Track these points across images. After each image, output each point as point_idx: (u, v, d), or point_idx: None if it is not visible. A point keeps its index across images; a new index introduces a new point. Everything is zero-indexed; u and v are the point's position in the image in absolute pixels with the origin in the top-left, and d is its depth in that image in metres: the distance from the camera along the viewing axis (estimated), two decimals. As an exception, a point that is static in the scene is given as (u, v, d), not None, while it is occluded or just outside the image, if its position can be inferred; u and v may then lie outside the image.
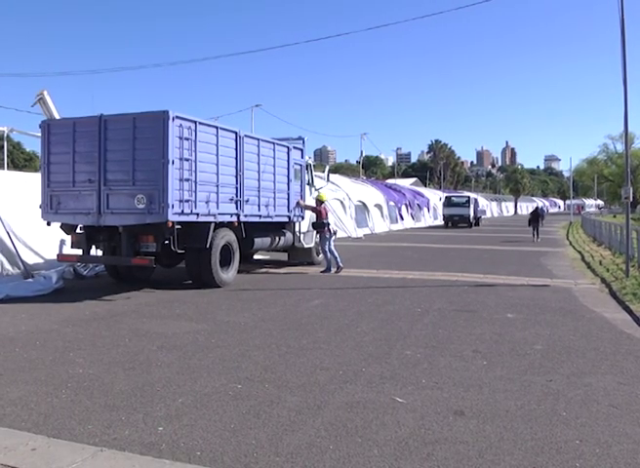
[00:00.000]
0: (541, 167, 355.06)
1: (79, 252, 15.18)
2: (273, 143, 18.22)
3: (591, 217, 49.06)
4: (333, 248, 19.38)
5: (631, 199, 18.71)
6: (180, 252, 14.68)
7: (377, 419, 6.09)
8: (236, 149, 16.07)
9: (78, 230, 15.08)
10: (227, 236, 15.97)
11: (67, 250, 16.03)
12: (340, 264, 19.27)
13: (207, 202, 14.91)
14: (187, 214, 14.28)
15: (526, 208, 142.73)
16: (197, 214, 14.60)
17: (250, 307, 12.90)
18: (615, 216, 73.08)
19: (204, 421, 6.00)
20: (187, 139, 14.17)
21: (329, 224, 19.54)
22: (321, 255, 21.54)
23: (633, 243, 20.51)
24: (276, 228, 18.96)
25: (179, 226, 14.18)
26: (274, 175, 18.07)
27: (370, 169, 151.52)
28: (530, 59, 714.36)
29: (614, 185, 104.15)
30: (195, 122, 14.50)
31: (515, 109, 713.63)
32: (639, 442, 5.60)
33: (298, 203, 19.52)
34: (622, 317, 12.13)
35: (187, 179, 14.18)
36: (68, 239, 15.56)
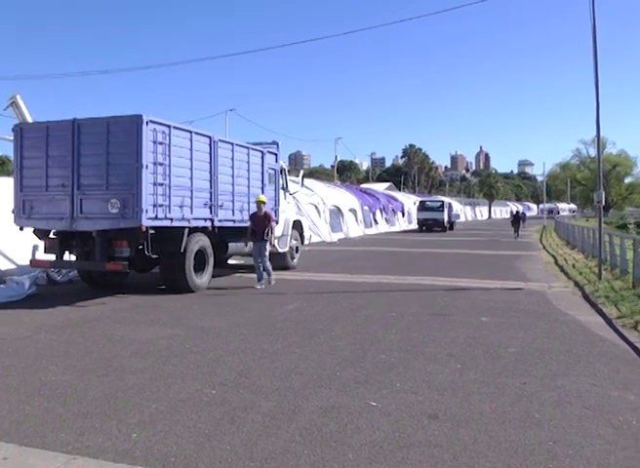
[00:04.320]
0: (515, 171, 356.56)
1: (52, 257, 15.02)
2: (247, 148, 18.18)
3: (564, 221, 49.60)
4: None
5: (604, 203, 18.90)
6: (154, 256, 14.62)
7: (351, 423, 6.09)
8: (210, 154, 16.01)
9: (51, 235, 14.93)
10: (201, 241, 15.91)
11: (40, 255, 15.83)
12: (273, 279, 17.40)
13: (181, 207, 14.84)
14: (161, 219, 14.22)
15: (500, 212, 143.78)
16: (171, 219, 14.54)
17: (224, 312, 12.86)
18: (587, 220, 73.92)
19: (178, 427, 5.96)
20: (161, 144, 14.10)
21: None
22: (295, 260, 21.54)
23: (606, 246, 20.73)
24: (251, 233, 18.91)
25: (152, 231, 14.12)
26: (248, 179, 18.02)
27: (344, 173, 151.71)
28: (503, 65, 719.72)
29: (586, 189, 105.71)
30: (169, 126, 14.43)
31: (489, 114, 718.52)
32: (611, 442, 5.65)
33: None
34: (595, 320, 12.25)
35: (161, 184, 14.11)
36: (41, 244, 15.41)
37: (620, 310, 12.69)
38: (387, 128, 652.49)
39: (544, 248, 35.00)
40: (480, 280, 18.53)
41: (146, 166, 13.62)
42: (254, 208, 18.24)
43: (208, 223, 16.08)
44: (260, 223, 16.81)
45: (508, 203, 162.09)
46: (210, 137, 16.10)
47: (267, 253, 17.00)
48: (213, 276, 16.80)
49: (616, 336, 10.61)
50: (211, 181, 16.06)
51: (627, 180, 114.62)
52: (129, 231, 13.92)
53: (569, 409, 6.58)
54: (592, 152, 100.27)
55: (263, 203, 17.03)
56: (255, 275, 16.89)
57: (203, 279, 16.01)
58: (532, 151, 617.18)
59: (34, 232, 15.10)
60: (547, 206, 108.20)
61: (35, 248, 16.30)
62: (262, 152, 18.98)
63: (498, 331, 10.93)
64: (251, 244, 18.52)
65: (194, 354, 9.03)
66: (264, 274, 16.94)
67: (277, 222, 19.93)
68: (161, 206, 14.13)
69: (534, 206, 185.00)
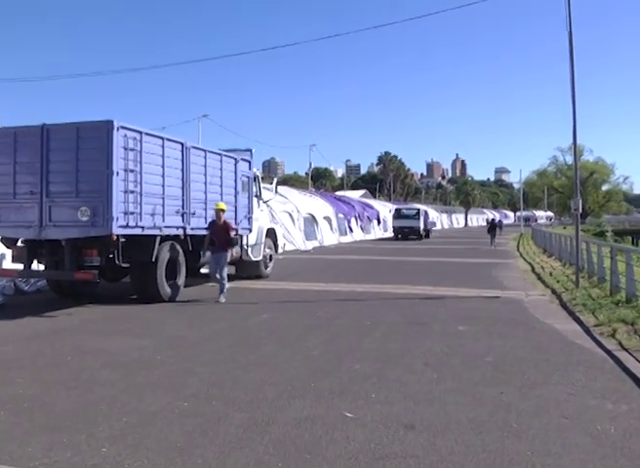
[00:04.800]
0: (492, 179, 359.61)
1: (20, 266, 14.87)
2: (220, 155, 18.15)
3: (542, 229, 50.02)
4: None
5: (581, 210, 19.09)
6: (124, 265, 14.51)
7: (326, 435, 6.07)
8: (182, 161, 15.94)
9: (19, 244, 14.79)
10: (173, 249, 15.82)
11: (8, 264, 15.69)
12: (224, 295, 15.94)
13: (152, 214, 14.75)
14: (132, 227, 14.12)
15: (476, 220, 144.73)
16: (142, 228, 14.45)
17: (196, 322, 12.81)
18: (565, 228, 74.74)
19: (149, 441, 5.90)
20: (132, 150, 14.01)
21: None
22: (269, 269, 21.50)
23: (583, 254, 20.93)
24: (224, 241, 18.82)
25: (123, 239, 14.01)
26: (221, 187, 17.97)
27: (319, 180, 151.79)
28: (479, 71, 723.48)
29: (563, 197, 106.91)
30: (140, 132, 14.36)
31: (465, 121, 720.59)
32: (589, 452, 5.68)
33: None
34: (573, 328, 12.34)
35: (132, 191, 14.02)
36: (9, 253, 15.27)
37: (598, 318, 12.81)
38: (363, 135, 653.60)
39: (521, 255, 35.23)
40: (457, 288, 18.60)
41: (117, 173, 13.52)
42: (227, 216, 18.19)
43: (180, 231, 15.99)
44: (219, 233, 15.97)
45: (485, 210, 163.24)
46: (182, 144, 16.03)
47: (226, 266, 16.12)
48: (185, 285, 16.73)
49: (593, 345, 10.69)
50: (183, 189, 15.99)
51: (605, 188, 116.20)
52: (99, 239, 13.82)
53: (547, 419, 6.61)
54: (569, 159, 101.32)
55: (223, 211, 16.20)
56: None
57: (175, 288, 15.91)
58: (508, 158, 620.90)
59: (1, 240, 14.99)
60: (524, 213, 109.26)
61: (2, 256, 16.16)
62: (236, 159, 18.95)
63: (475, 339, 10.97)
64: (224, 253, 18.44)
65: (166, 365, 8.97)
66: (219, 288, 15.89)
67: (250, 231, 19.91)
68: (132, 214, 14.03)
69: (511, 213, 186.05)
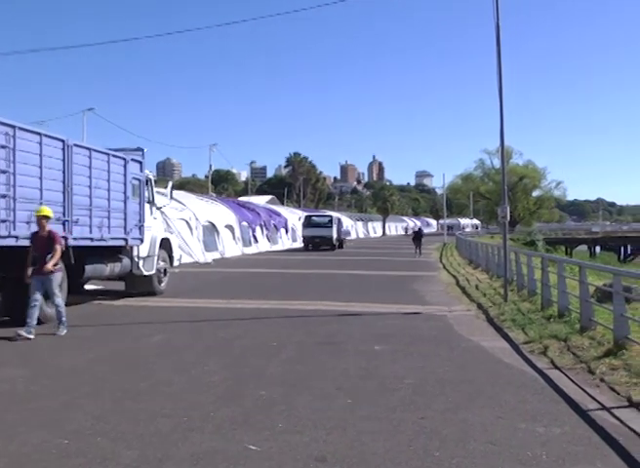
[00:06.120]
0: (412, 183, 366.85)
1: None
2: (108, 154, 17.87)
3: (467, 238, 51.01)
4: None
5: (509, 218, 19.52)
6: (-6, 282, 14.12)
7: (227, 472, 6.01)
8: (64, 160, 15.64)
9: None
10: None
11: None
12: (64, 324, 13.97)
13: (28, 222, 14.37)
14: (4, 238, 13.77)
15: (395, 228, 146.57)
16: (16, 238, 14.08)
17: (79, 346, 12.55)
18: (492, 237, 76.52)
19: (21, 484, 5.73)
20: (4, 148, 13.67)
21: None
22: (163, 284, 21.24)
23: (512, 265, 21.41)
24: (111, 253, 18.51)
25: (-7, 252, 13.65)
26: (109, 191, 17.69)
27: (220, 184, 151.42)
28: (398, 65, 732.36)
29: (491, 203, 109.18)
30: (14, 127, 14.01)
31: (383, 120, 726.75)
32: (518, 482, 5.78)
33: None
34: (501, 345, 12.61)
35: (4, 196, 13.69)
36: None
37: (528, 334, 13.14)
38: (269, 134, 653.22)
39: (445, 267, 35.86)
40: (373, 304, 18.77)
41: (-15, 174, 13.19)
42: (115, 224, 17.90)
43: (61, 242, 15.64)
44: (43, 246, 13.64)
45: (405, 218, 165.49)
46: (63, 141, 15.73)
47: (57, 289, 13.95)
48: (67, 304, 16.34)
49: (523, 363, 10.96)
50: (64, 193, 15.67)
51: (535, 194, 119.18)
52: (-37, 252, 13.43)
53: (472, 445, 6.70)
54: (497, 163, 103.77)
55: (47, 218, 13.75)
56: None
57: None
58: (431, 161, 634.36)
59: None
60: (448, 221, 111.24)
61: None
62: (125, 159, 18.69)
63: (393, 360, 11.08)
64: (112, 265, 18.15)
65: (42, 398, 8.73)
66: (56, 317, 13.99)
67: (142, 241, 19.64)
68: (4, 221, 13.70)
69: (433, 221, 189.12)
